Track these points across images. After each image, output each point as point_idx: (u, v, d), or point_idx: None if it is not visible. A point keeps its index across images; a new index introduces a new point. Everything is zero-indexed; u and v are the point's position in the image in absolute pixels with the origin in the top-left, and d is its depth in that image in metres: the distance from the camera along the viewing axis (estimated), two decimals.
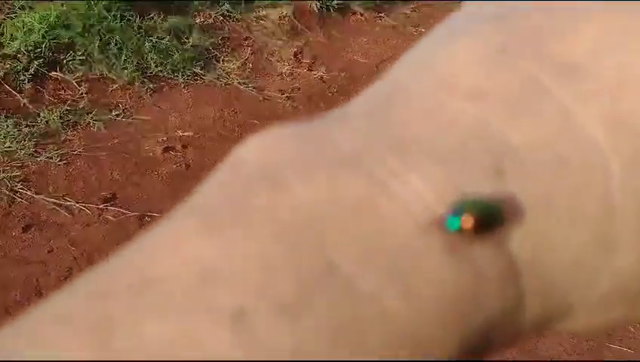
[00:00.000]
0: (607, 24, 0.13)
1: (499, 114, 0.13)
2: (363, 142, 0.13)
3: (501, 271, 0.12)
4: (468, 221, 0.12)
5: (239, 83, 2.61)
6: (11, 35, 2.39)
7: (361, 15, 3.60)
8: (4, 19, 2.46)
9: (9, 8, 2.52)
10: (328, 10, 3.50)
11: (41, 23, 2.43)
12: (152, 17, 2.75)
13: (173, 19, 2.80)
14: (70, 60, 2.42)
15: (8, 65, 2.28)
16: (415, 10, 3.81)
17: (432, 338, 0.12)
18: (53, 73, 2.37)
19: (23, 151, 1.97)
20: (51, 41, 2.41)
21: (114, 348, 0.11)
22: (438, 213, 0.12)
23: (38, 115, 2.17)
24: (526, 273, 0.13)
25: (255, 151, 0.13)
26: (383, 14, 3.64)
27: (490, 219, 0.12)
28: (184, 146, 2.13)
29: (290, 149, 0.13)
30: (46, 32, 2.42)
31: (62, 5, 2.51)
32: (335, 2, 3.60)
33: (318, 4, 3.50)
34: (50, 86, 2.35)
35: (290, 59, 2.95)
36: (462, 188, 0.12)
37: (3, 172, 1.87)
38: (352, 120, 0.13)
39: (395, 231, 0.12)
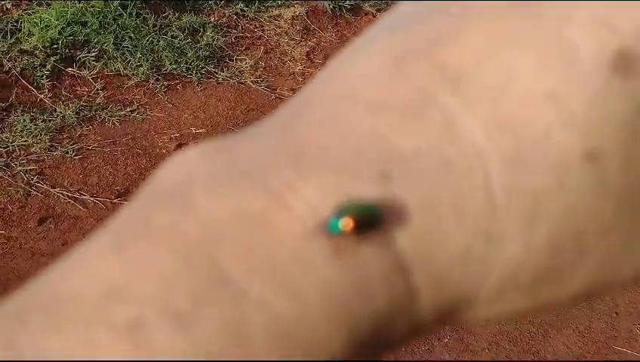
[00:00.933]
0: (493, 29, 0.14)
1: (390, 123, 0.14)
2: (266, 156, 0.14)
3: (387, 269, 0.13)
4: (347, 223, 0.13)
5: (252, 82, 2.64)
6: (29, 30, 2.43)
7: (374, 15, 3.61)
8: (22, 15, 2.49)
9: (27, 4, 2.56)
10: (341, 10, 3.52)
11: (57, 20, 2.46)
12: (167, 15, 2.78)
13: (188, 18, 2.83)
14: (86, 57, 2.45)
15: (26, 61, 2.32)
16: None
17: (322, 337, 0.13)
18: (69, 69, 2.41)
19: (39, 146, 2.00)
20: (68, 38, 2.44)
21: None
22: (325, 216, 0.13)
23: (55, 110, 2.21)
24: (416, 269, 0.13)
25: (169, 170, 0.14)
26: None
27: (369, 220, 0.13)
28: (197, 143, 2.16)
29: (199, 167, 0.14)
30: (62, 28, 2.45)
31: (78, 2, 2.54)
32: (347, 2, 3.61)
33: (330, 4, 3.52)
34: (67, 82, 2.39)
35: (303, 58, 2.97)
36: (350, 194, 0.13)
37: (19, 165, 1.91)
38: (261, 135, 0.14)
39: (285, 239, 0.13)
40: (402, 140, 0.13)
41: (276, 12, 3.26)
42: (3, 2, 2.54)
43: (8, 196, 1.79)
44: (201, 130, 2.20)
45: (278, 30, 3.15)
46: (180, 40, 2.70)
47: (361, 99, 0.14)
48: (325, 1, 3.53)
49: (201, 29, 2.87)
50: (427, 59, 0.14)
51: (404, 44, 0.14)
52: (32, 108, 2.19)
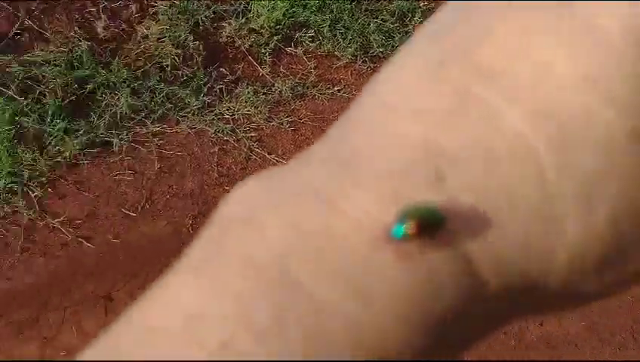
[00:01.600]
0: (523, 25, 0.14)
1: (436, 126, 0.14)
2: (321, 172, 0.14)
3: (454, 267, 0.14)
4: (411, 227, 0.13)
5: None
6: (257, 11, 2.66)
7: None
8: None
9: None
10: None
11: (283, 2, 2.67)
12: (379, 0, 2.87)
13: (399, 2, 2.89)
14: (303, 37, 2.63)
15: (253, 39, 2.56)
16: None
17: (398, 339, 0.13)
18: (288, 48, 2.61)
19: (259, 116, 2.21)
20: (289, 19, 2.64)
21: None
22: (387, 223, 0.13)
23: (273, 85, 2.41)
24: (481, 262, 0.14)
25: (233, 199, 0.15)
26: None
27: (432, 222, 0.13)
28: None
29: (260, 192, 0.15)
30: (287, 10, 2.65)
31: None
32: None
33: None
34: (285, 60, 2.59)
35: None
36: (407, 199, 0.13)
37: (242, 132, 2.12)
38: (315, 155, 0.15)
39: (352, 248, 0.13)
40: (450, 141, 0.14)
41: None
42: None
43: (233, 158, 2.01)
44: None
45: None
46: (389, 23, 2.78)
47: (406, 107, 0.14)
48: None
49: (410, 14, 2.92)
50: (464, 62, 0.14)
51: (441, 51, 0.15)
52: (255, 82, 2.42)
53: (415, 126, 0.14)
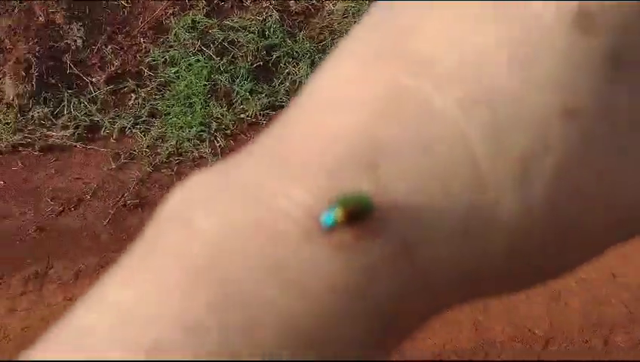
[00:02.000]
0: (454, 14, 0.14)
1: (369, 118, 0.14)
2: (255, 169, 0.14)
3: (390, 254, 0.14)
4: (339, 215, 0.13)
5: None
6: None
7: None
8: None
9: None
10: None
11: None
12: None
13: None
14: None
15: None
16: None
17: (337, 331, 0.13)
18: None
19: None
20: None
21: None
22: (317, 216, 0.13)
23: None
24: (419, 249, 0.14)
25: (173, 196, 0.15)
26: None
27: (360, 209, 0.13)
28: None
29: (198, 190, 0.15)
30: None
31: None
32: None
33: None
34: None
35: None
36: (339, 190, 0.13)
37: None
38: (253, 153, 0.15)
39: (285, 242, 0.13)
40: (383, 131, 0.14)
41: None
42: None
43: None
44: None
45: None
46: None
47: (340, 100, 0.15)
48: None
49: None
50: (396, 53, 0.15)
51: (373, 44, 0.15)
52: None
53: (349, 118, 0.14)
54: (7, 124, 2.14)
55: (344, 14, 2.47)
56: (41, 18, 2.33)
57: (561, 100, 0.14)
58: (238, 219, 0.14)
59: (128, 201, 2.03)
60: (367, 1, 2.52)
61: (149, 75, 2.29)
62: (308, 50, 2.36)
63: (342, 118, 0.14)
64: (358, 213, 0.13)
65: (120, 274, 0.14)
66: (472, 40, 0.14)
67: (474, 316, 1.72)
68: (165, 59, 2.30)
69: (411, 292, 0.14)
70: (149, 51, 2.32)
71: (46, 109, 2.18)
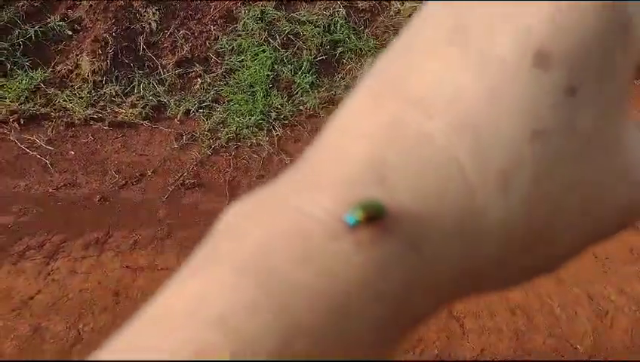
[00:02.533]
0: (439, 59, 0.18)
1: (376, 144, 0.17)
2: (289, 186, 0.18)
3: (400, 248, 0.17)
4: (360, 216, 0.16)
5: None
6: None
7: None
8: None
9: None
10: None
11: None
12: None
13: None
14: None
15: None
16: None
17: (358, 308, 0.16)
18: None
19: None
20: None
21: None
22: (342, 218, 0.17)
23: None
24: (423, 246, 0.17)
25: (227, 214, 0.19)
26: None
27: (376, 212, 0.16)
28: None
29: (245, 206, 0.18)
30: None
31: None
32: None
33: None
34: None
35: None
36: (357, 198, 0.17)
37: None
38: (286, 175, 0.19)
39: (315, 239, 0.17)
40: (388, 153, 0.17)
41: None
42: None
43: None
44: None
45: None
46: None
47: (354, 130, 0.18)
48: None
49: None
50: (395, 92, 0.18)
51: (378, 84, 0.19)
52: None
53: (361, 144, 0.18)
54: (82, 98, 2.25)
55: (411, 14, 2.49)
56: (120, 0, 2.44)
57: (528, 124, 0.17)
58: (279, 224, 0.17)
59: (186, 181, 2.10)
60: None
61: (216, 61, 2.36)
62: (372, 48, 2.39)
63: (356, 143, 0.18)
64: (374, 216, 0.16)
65: (187, 274, 0.18)
66: (453, 81, 0.17)
67: (516, 325, 1.72)
68: (232, 47, 2.37)
69: (418, 283, 0.17)
70: (218, 39, 2.39)
71: (117, 87, 2.28)
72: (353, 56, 2.38)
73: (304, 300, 0.16)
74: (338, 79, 2.33)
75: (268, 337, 0.16)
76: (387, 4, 2.49)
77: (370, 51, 2.37)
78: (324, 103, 2.26)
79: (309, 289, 0.16)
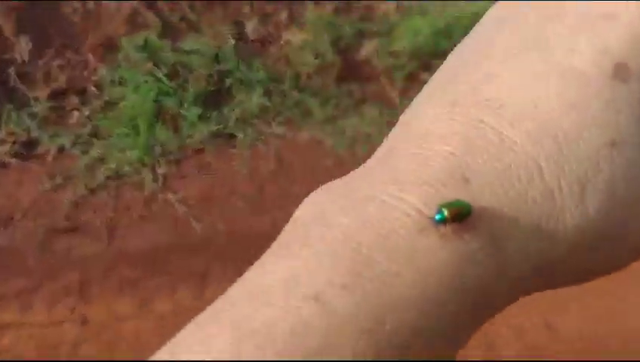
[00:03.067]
0: (517, 68, 0.20)
1: (458, 147, 0.19)
2: (377, 184, 0.19)
3: (483, 244, 0.18)
4: (447, 213, 0.18)
5: None
6: (400, 34, 2.70)
7: None
8: (399, 19, 2.78)
9: (405, 10, 2.84)
10: None
11: (427, 29, 2.68)
12: None
13: None
14: (439, 66, 2.62)
15: (390, 61, 2.60)
16: None
17: (440, 300, 0.18)
18: (424, 75, 2.61)
19: (379, 137, 2.23)
20: (431, 47, 2.64)
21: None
22: (429, 214, 0.18)
23: (399, 109, 2.43)
24: (504, 243, 0.19)
25: (305, 204, 0.20)
26: None
27: (462, 210, 0.18)
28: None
29: (327, 199, 0.20)
30: (430, 36, 2.66)
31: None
32: None
33: None
34: (417, 86, 2.60)
35: None
36: (442, 198, 0.18)
37: (360, 149, 2.17)
38: (367, 169, 0.20)
39: (405, 232, 0.18)
40: (470, 156, 0.19)
41: None
42: (387, 6, 2.86)
43: (344, 173, 2.06)
44: None
45: None
46: None
47: (434, 133, 0.20)
48: None
49: None
50: (475, 98, 0.20)
51: (455, 90, 0.20)
52: (383, 104, 2.45)
53: (443, 147, 0.19)
54: None
55: (301, 46, 2.43)
56: None
57: (607, 135, 0.18)
58: (368, 216, 0.18)
59: (60, 224, 1.94)
60: (325, 36, 2.49)
61: (95, 93, 2.21)
62: (262, 79, 2.31)
63: (437, 146, 0.19)
64: (459, 214, 0.18)
65: (277, 255, 0.19)
66: (534, 90, 0.19)
67: None
68: (113, 78, 2.22)
69: (498, 277, 0.18)
70: (97, 69, 2.24)
71: None
72: (243, 87, 2.29)
73: (393, 287, 0.18)
74: (227, 111, 2.23)
75: (362, 315, 0.17)
76: (278, 34, 2.43)
77: (260, 82, 2.29)
78: (213, 137, 2.16)
79: (398, 277, 0.18)
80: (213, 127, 2.17)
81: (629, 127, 0.19)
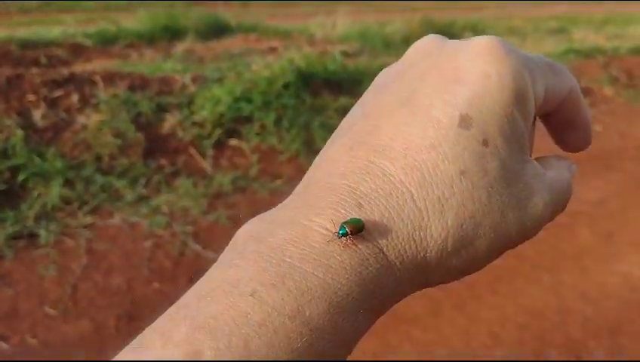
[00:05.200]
0: (393, 122, 0.26)
1: (353, 180, 0.25)
2: (296, 212, 0.25)
3: (373, 251, 0.24)
4: (347, 228, 0.24)
5: None
6: (201, 104, 2.69)
7: None
8: (198, 90, 2.78)
9: (203, 81, 2.85)
10: None
11: (228, 96, 2.71)
12: (324, 97, 2.95)
13: (343, 100, 2.98)
14: (247, 131, 2.66)
15: (195, 131, 2.57)
16: (593, 106, 3.67)
17: (345, 292, 0.24)
18: (231, 141, 2.62)
19: (197, 209, 2.17)
20: (234, 113, 2.68)
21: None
22: (334, 230, 0.24)
23: (214, 178, 2.40)
24: (388, 250, 0.24)
25: (243, 229, 0.26)
26: None
27: (357, 226, 0.24)
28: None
29: (261, 224, 0.25)
30: (231, 104, 2.69)
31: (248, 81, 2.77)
32: None
33: None
34: (227, 153, 2.59)
35: None
36: (344, 217, 0.24)
37: (178, 226, 2.08)
38: (290, 201, 0.26)
39: (319, 245, 0.24)
40: (363, 186, 0.25)
41: None
42: (184, 79, 2.85)
43: (165, 253, 1.95)
44: None
45: None
46: (333, 120, 2.85)
47: (336, 171, 0.26)
48: None
49: None
50: (365, 143, 0.26)
51: (350, 138, 0.27)
52: (195, 174, 2.40)
53: (343, 181, 0.25)
54: None
55: (99, 127, 2.31)
56: None
57: (457, 166, 0.25)
58: (290, 234, 0.24)
59: None
60: (123, 114, 2.40)
61: None
62: (60, 169, 2.13)
63: (338, 180, 0.25)
64: (356, 228, 0.24)
65: (224, 263, 0.24)
66: (406, 135, 0.26)
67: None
68: None
69: (385, 275, 0.25)
70: None
71: None
72: (40, 180, 2.10)
73: (309, 283, 0.23)
74: (25, 209, 2.02)
75: (287, 306, 0.22)
76: (71, 119, 2.28)
77: (58, 172, 2.12)
78: (11, 240, 1.93)
79: (313, 276, 0.23)
80: (12, 229, 1.94)
81: (471, 160, 0.26)
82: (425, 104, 0.26)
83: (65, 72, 2.68)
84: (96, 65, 3.06)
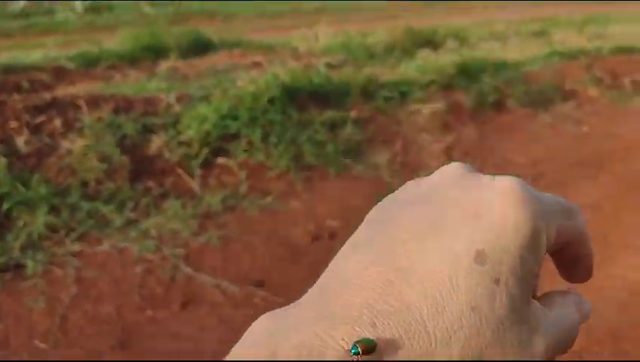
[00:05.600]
0: (419, 244, 0.27)
1: (370, 297, 0.25)
2: (311, 319, 0.25)
3: None
4: (360, 348, 0.24)
5: (388, 176, 2.67)
6: (187, 123, 2.66)
7: (517, 112, 3.55)
8: (183, 109, 2.75)
9: (188, 100, 2.82)
10: (482, 106, 3.52)
11: (213, 114, 2.68)
12: (310, 111, 2.93)
13: (330, 113, 2.96)
14: (235, 148, 2.63)
15: (182, 151, 2.54)
16: (578, 108, 3.69)
17: None
18: (219, 159, 2.59)
19: (187, 231, 2.14)
20: (220, 131, 2.65)
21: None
22: (347, 347, 0.24)
23: (203, 198, 2.37)
24: None
25: (254, 327, 0.26)
26: (540, 112, 3.57)
27: (369, 346, 0.24)
28: (331, 237, 2.18)
29: (273, 324, 0.26)
30: (217, 122, 2.66)
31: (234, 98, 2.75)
32: (490, 98, 3.60)
33: (472, 100, 3.52)
34: (216, 171, 2.56)
35: (441, 154, 2.96)
36: (357, 336, 0.24)
37: (169, 249, 2.04)
38: (305, 306, 0.26)
39: (329, 359, 0.24)
40: (379, 305, 0.25)
41: (415, 108, 3.32)
42: (168, 98, 2.82)
43: (156, 278, 1.91)
44: (336, 223, 2.23)
45: (417, 126, 3.19)
46: (320, 134, 2.83)
47: (354, 283, 0.26)
48: (467, 97, 3.54)
49: (341, 124, 2.99)
50: (385, 261, 0.27)
51: (371, 255, 0.27)
52: (184, 195, 2.37)
53: (359, 297, 0.26)
54: None
55: (84, 152, 2.27)
56: None
57: (468, 301, 0.26)
58: (304, 344, 0.24)
59: None
60: (107, 137, 2.36)
61: None
62: (45, 196, 2.09)
63: (356, 297, 0.26)
64: (368, 349, 0.24)
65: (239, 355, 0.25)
66: (424, 261, 0.27)
67: None
68: None
69: None
70: None
71: None
72: (24, 208, 2.06)
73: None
74: (11, 240, 1.98)
75: None
76: (55, 144, 2.24)
77: (43, 199, 2.07)
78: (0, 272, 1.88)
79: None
80: None
81: (482, 295, 0.26)
82: (447, 234, 0.28)
83: (47, 96, 2.64)
84: (80, 88, 3.02)
